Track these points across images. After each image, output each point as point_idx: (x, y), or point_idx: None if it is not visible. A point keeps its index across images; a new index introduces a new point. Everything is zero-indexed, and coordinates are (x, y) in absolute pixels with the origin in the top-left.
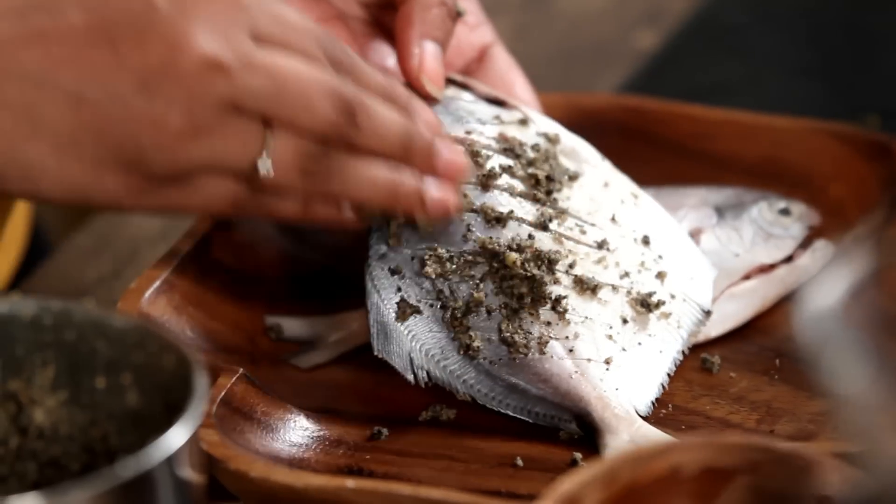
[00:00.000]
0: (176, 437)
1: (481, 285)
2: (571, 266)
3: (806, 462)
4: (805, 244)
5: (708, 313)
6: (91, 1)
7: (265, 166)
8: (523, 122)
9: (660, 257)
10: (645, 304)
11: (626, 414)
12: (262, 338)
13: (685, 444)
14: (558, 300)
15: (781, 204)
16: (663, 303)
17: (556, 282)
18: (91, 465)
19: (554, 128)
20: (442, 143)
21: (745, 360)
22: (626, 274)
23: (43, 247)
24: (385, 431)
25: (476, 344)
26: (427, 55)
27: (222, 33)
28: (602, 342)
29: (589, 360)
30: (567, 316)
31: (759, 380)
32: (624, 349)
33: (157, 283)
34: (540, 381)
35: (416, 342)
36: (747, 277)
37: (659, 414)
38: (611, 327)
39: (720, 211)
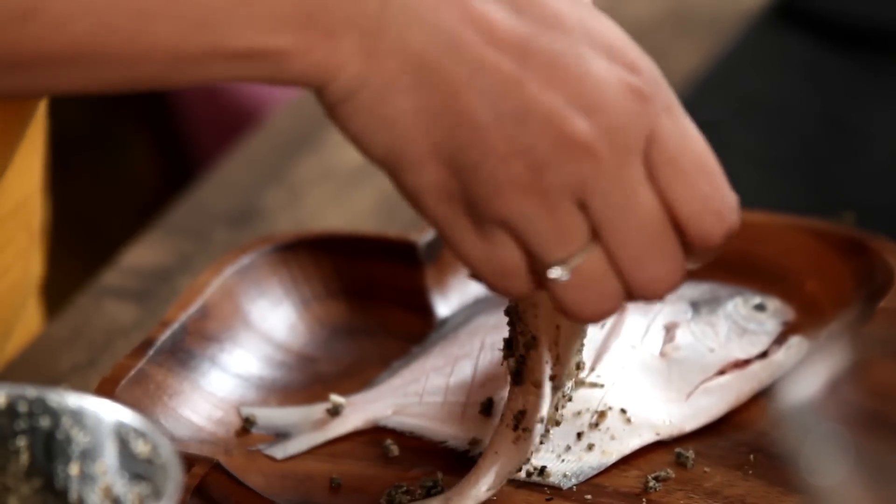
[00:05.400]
0: None
1: None
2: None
3: None
4: (780, 340)
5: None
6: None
7: (559, 272)
8: None
9: None
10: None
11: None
12: (237, 428)
13: None
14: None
15: (756, 300)
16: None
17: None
18: None
19: None
20: None
21: (719, 454)
22: None
23: None
24: None
25: None
26: None
27: (614, 125)
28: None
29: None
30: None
31: (733, 475)
32: None
33: (131, 373)
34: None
35: None
36: (722, 373)
37: None
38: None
39: (695, 306)
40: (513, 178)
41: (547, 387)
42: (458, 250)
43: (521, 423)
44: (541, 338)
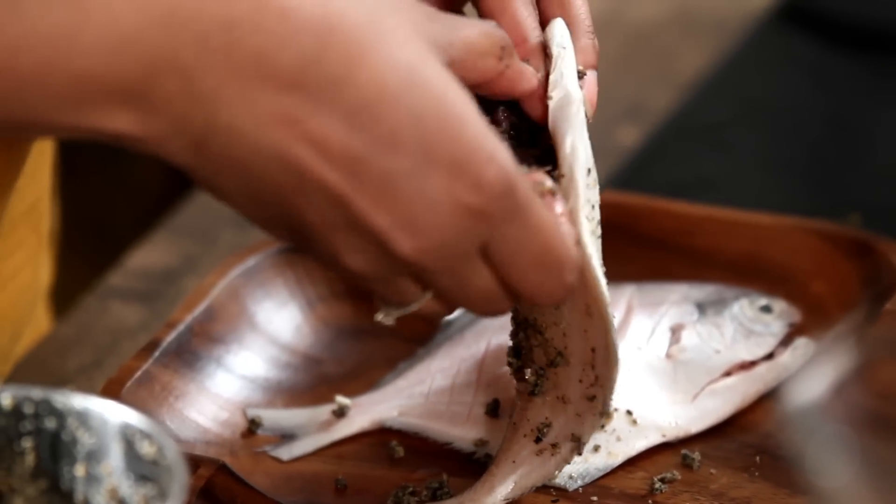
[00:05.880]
0: None
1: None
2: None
3: None
4: (786, 342)
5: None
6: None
7: (381, 316)
8: None
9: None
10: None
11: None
12: (243, 429)
13: None
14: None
15: (762, 301)
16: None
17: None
18: None
19: None
20: None
21: (726, 456)
22: None
23: None
24: None
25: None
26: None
27: (442, 244)
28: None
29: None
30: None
31: (739, 476)
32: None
33: (137, 374)
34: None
35: None
36: (728, 374)
37: None
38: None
39: (701, 307)
40: (346, 262)
41: (586, 407)
42: None
43: (545, 436)
44: (570, 357)
